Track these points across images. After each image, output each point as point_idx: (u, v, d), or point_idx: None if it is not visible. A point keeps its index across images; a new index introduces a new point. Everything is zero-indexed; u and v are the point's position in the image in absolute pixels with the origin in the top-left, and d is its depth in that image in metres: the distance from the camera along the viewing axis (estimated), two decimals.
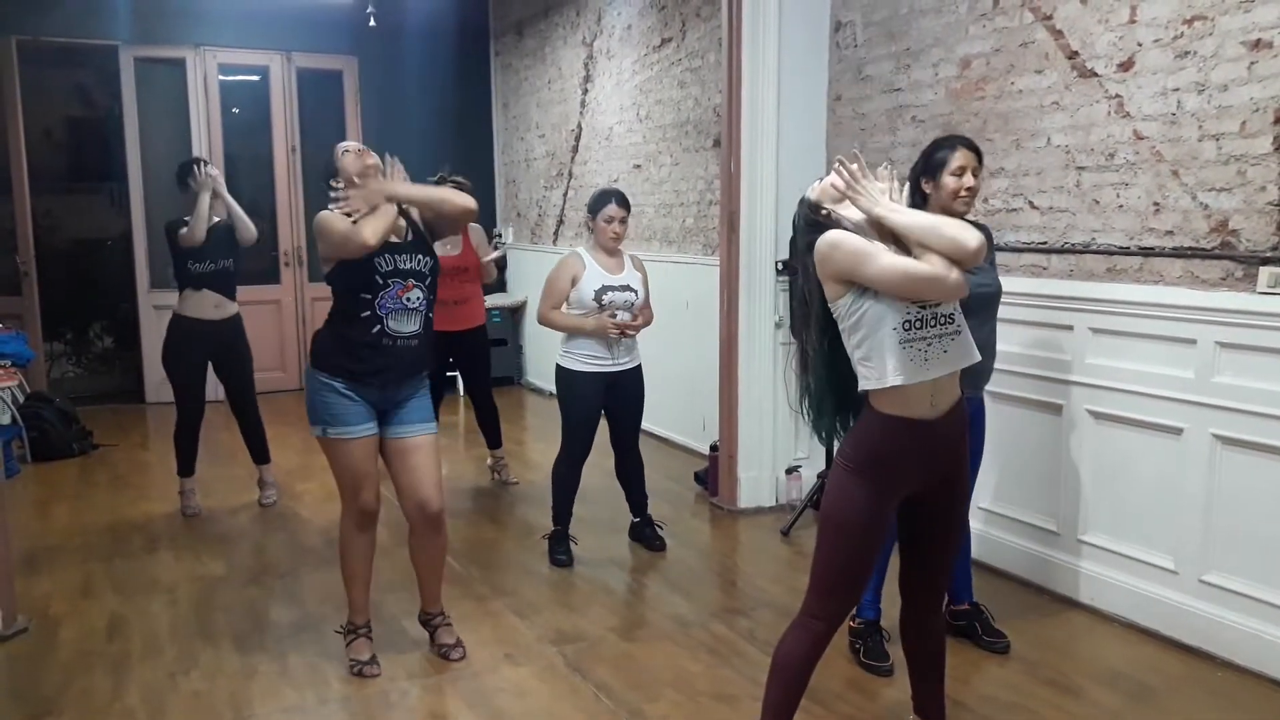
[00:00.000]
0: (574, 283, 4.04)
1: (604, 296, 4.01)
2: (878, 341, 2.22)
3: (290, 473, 5.57)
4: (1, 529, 3.54)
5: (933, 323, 2.22)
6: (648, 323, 4.21)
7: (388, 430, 3.13)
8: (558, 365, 4.14)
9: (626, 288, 4.06)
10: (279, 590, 3.91)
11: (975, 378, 3.14)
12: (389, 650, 3.32)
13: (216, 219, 4.78)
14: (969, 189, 3.02)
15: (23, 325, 6.93)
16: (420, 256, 3.09)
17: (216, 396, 5.28)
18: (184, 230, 4.65)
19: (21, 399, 6.11)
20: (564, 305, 4.10)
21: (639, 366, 4.23)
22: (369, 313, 3.01)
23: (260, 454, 5.06)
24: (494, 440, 5.47)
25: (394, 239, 3.06)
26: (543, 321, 4.16)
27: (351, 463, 3.06)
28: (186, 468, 4.91)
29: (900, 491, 2.31)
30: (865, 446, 2.29)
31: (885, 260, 2.18)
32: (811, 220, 2.36)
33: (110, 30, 7.35)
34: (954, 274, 2.15)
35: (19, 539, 4.48)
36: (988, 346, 3.16)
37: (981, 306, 3.08)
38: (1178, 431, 3.29)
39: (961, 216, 3.10)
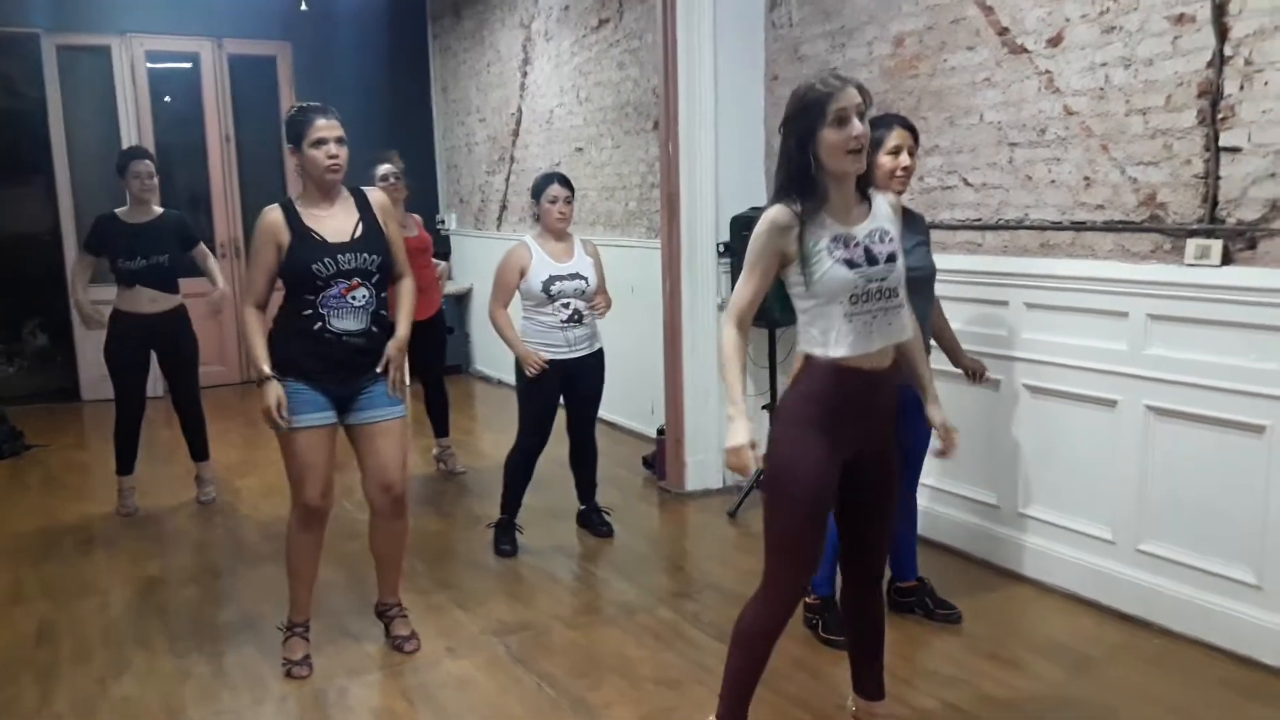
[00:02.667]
0: (522, 274, 3.97)
1: (552, 287, 3.94)
2: (825, 311, 2.23)
3: (230, 468, 5.46)
4: None
5: (878, 296, 2.23)
6: (607, 307, 4.13)
7: (353, 416, 3.07)
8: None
9: (576, 275, 3.98)
10: (216, 590, 3.83)
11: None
12: (329, 647, 3.26)
13: (158, 211, 4.65)
14: (904, 168, 3.02)
15: None
16: (367, 254, 2.99)
17: (156, 393, 5.13)
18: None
19: None
20: (513, 296, 4.02)
21: (599, 351, 4.14)
22: (310, 311, 2.96)
23: (199, 451, 4.95)
24: (442, 429, 5.40)
25: (339, 239, 2.97)
26: (491, 320, 4.08)
27: (297, 452, 2.98)
28: (125, 466, 4.78)
29: (845, 443, 2.28)
30: (810, 396, 2.27)
31: (743, 280, 2.28)
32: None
33: (31, 18, 7.11)
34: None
35: None
36: (924, 328, 3.18)
37: (916, 290, 3.09)
38: (1112, 404, 3.32)
39: (898, 194, 3.10)
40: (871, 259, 2.23)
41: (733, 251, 4.60)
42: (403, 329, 3.13)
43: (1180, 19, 3.04)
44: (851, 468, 2.34)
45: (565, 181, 4.05)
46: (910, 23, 3.96)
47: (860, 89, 2.17)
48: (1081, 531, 3.47)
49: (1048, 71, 3.45)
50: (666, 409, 4.89)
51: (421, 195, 8.66)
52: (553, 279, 3.95)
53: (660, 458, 5.00)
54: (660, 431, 5.03)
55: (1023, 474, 3.67)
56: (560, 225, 4.01)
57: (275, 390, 2.91)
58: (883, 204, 2.34)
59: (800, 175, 2.19)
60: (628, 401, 5.95)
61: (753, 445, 2.23)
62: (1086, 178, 3.37)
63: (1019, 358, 3.62)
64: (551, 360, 3.98)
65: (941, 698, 2.86)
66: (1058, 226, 3.49)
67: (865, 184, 2.31)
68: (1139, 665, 3.02)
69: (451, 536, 4.40)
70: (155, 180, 4.65)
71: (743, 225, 4.49)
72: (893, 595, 3.41)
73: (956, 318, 3.80)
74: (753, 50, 4.77)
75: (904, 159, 3.01)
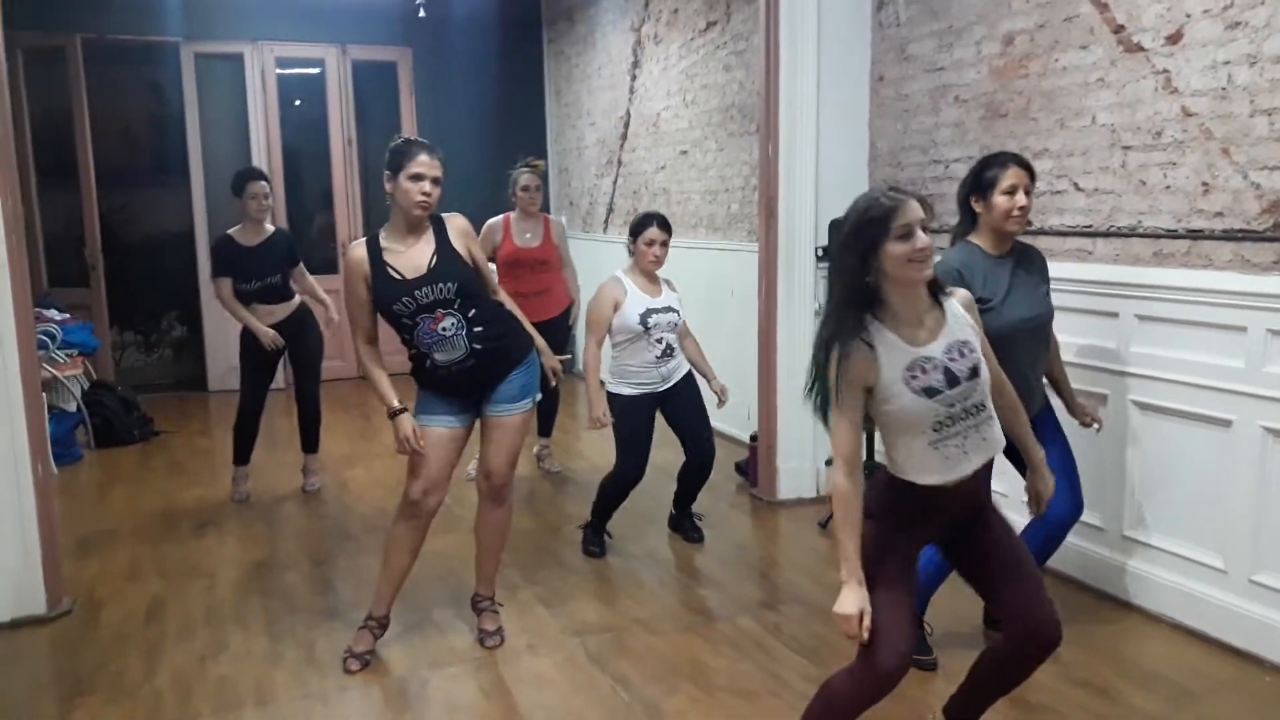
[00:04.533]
0: (616, 308, 3.98)
1: (649, 320, 3.96)
2: (906, 441, 2.15)
3: (341, 459, 5.66)
4: (49, 516, 3.65)
5: (964, 417, 2.14)
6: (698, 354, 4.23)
7: (486, 409, 3.20)
8: (608, 390, 4.08)
9: (669, 309, 4.01)
10: (316, 577, 3.97)
11: (1031, 400, 3.04)
12: (415, 638, 3.35)
13: (269, 231, 4.85)
14: (1021, 208, 2.93)
15: (90, 316, 7.17)
16: (442, 284, 3.01)
17: (278, 384, 5.31)
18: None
19: (86, 387, 6.31)
20: (607, 332, 4.04)
21: (689, 373, 4.17)
22: (415, 351, 3.08)
23: (311, 443, 5.14)
24: (546, 428, 5.47)
25: (411, 275, 3.02)
26: (584, 359, 4.12)
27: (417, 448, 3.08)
28: (242, 458, 5.01)
29: (918, 539, 2.26)
30: (880, 500, 2.22)
31: (836, 424, 2.15)
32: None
33: (171, 27, 7.53)
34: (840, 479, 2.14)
35: (76, 523, 4.65)
36: (1035, 371, 3.08)
37: (1032, 335, 3.02)
38: (1227, 424, 3.12)
39: (1013, 236, 3.03)
40: (952, 380, 2.11)
41: (831, 255, 4.50)
42: (539, 342, 3.31)
43: None
44: (953, 542, 2.30)
45: (664, 224, 4.04)
46: (1021, 21, 3.81)
47: (923, 202, 2.10)
48: (1191, 558, 3.27)
49: (1165, 71, 3.27)
50: (760, 415, 4.83)
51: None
52: (650, 311, 3.96)
53: (752, 464, 4.94)
54: (753, 437, 4.97)
55: (1130, 495, 3.48)
56: (653, 267, 4.02)
57: (408, 423, 3.03)
58: (957, 309, 2.20)
59: (861, 290, 2.09)
60: (725, 406, 5.90)
61: (862, 614, 2.09)
62: (1205, 183, 3.18)
63: (1129, 373, 3.44)
64: (642, 395, 4.03)
65: None
66: (1173, 235, 3.30)
67: (938, 288, 2.19)
68: (1245, 703, 2.83)
69: (543, 535, 4.45)
70: (270, 201, 4.85)
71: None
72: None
73: (1064, 330, 3.63)
74: (858, 51, 4.67)
75: (1020, 198, 2.93)
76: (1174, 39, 3.23)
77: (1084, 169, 3.61)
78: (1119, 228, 3.49)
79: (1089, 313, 3.58)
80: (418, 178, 2.98)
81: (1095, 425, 3.25)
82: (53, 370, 5.84)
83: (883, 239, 2.05)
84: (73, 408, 6.06)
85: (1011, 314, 2.94)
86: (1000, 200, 2.92)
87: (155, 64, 8.32)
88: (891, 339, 2.11)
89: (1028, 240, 3.78)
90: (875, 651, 2.12)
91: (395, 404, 3.02)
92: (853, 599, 2.10)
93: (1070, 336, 3.63)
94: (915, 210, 2.07)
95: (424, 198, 2.99)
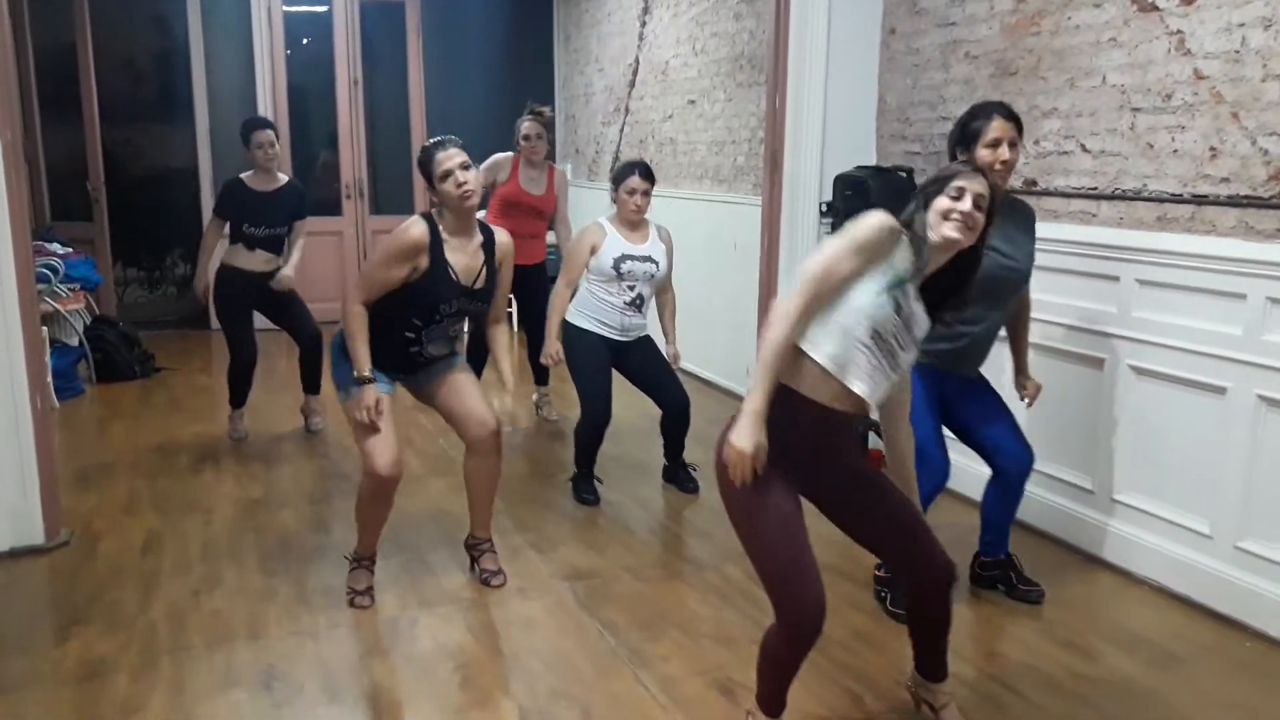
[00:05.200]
0: (593, 251, 3.98)
1: (623, 265, 3.95)
2: (838, 336, 2.13)
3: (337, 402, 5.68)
4: (48, 448, 3.69)
5: (888, 354, 2.16)
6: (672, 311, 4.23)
7: (419, 383, 3.25)
8: (565, 319, 4.08)
9: (648, 259, 3.98)
10: (310, 515, 4.01)
11: (966, 360, 3.06)
12: (406, 579, 3.39)
13: (282, 180, 4.82)
14: (1004, 162, 2.88)
15: (93, 250, 7.16)
16: (481, 303, 3.17)
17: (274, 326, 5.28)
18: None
19: (88, 321, 6.32)
20: (580, 275, 4.06)
21: (647, 336, 4.18)
22: (412, 334, 3.08)
23: (312, 384, 5.16)
24: (542, 377, 5.48)
25: (468, 281, 3.10)
26: (551, 298, 4.13)
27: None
28: (238, 401, 5.04)
29: (792, 482, 2.21)
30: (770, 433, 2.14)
31: (813, 261, 2.15)
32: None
33: None
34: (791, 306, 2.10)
35: (75, 456, 4.69)
36: (990, 333, 3.08)
37: (1000, 288, 2.98)
38: (1221, 391, 3.12)
39: (998, 192, 2.97)
40: (910, 326, 2.18)
41: (835, 211, 4.48)
42: (509, 376, 3.32)
43: None
44: (820, 500, 2.31)
45: (647, 173, 4.01)
46: None
47: (994, 187, 2.20)
48: (1178, 523, 3.29)
49: (1179, 31, 3.22)
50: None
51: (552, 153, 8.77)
52: (625, 257, 3.95)
53: None
54: None
55: (1121, 458, 3.49)
56: (635, 217, 4.00)
57: (373, 393, 3.01)
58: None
59: (919, 225, 2.18)
60: (723, 359, 5.92)
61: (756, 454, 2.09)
62: (1213, 148, 3.14)
63: (1126, 336, 3.43)
64: (599, 335, 4.04)
65: (1007, 682, 2.77)
66: (1178, 199, 3.27)
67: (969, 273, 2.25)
68: (1225, 668, 2.86)
69: (536, 482, 4.48)
70: (276, 149, 4.78)
71: (847, 185, 4.38)
72: (975, 570, 3.33)
73: (1063, 292, 3.64)
74: (870, 2, 4.59)
75: (1003, 152, 2.87)
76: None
77: (1091, 130, 3.56)
78: (1124, 191, 3.46)
79: (1090, 275, 3.56)
80: (447, 175, 2.98)
81: (1027, 401, 3.25)
82: (54, 304, 5.86)
83: (939, 190, 2.17)
84: (75, 342, 6.08)
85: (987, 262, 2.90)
86: (983, 153, 2.88)
87: None
88: (911, 260, 2.17)
89: (1032, 200, 3.76)
90: (784, 604, 2.19)
91: (367, 372, 3.01)
92: (749, 433, 2.08)
93: (1070, 299, 3.62)
94: (980, 183, 2.16)
95: (462, 189, 2.98)
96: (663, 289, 4.18)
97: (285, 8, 7.80)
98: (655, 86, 6.89)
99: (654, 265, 4.01)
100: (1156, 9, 3.28)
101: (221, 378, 5.12)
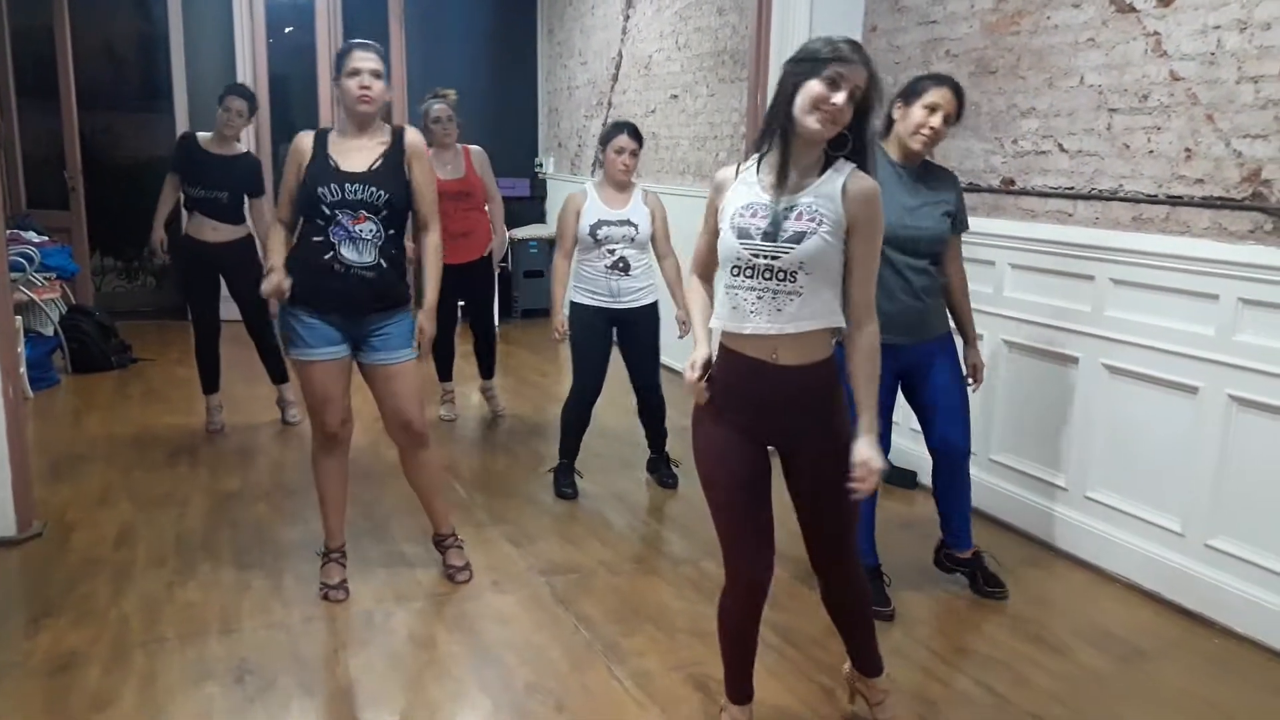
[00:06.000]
0: (578, 217, 3.98)
1: (599, 231, 3.95)
2: (718, 276, 2.17)
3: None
4: (20, 439, 3.65)
5: (766, 275, 2.04)
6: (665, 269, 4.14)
7: (367, 356, 3.11)
8: (569, 298, 4.11)
9: (626, 223, 3.96)
10: (286, 508, 3.99)
11: (917, 326, 3.05)
12: (383, 572, 3.38)
13: (239, 149, 4.78)
14: (932, 128, 2.90)
15: (70, 239, 7.10)
16: (375, 189, 2.97)
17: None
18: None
19: (64, 311, 6.27)
20: (574, 243, 4.05)
21: (652, 305, 4.12)
22: (321, 239, 3.00)
23: (278, 374, 5.12)
24: (487, 371, 5.39)
25: (347, 168, 2.97)
26: (553, 268, 4.15)
27: (312, 384, 3.07)
28: (208, 385, 5.00)
29: (748, 432, 2.17)
30: (713, 376, 2.18)
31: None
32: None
33: None
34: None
35: (49, 447, 4.65)
36: (929, 291, 3.06)
37: (913, 250, 2.99)
38: (1193, 390, 3.15)
39: (918, 156, 3.00)
40: (771, 235, 2.03)
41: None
42: (430, 294, 3.13)
43: None
44: (785, 459, 2.25)
45: (635, 133, 4.00)
46: None
47: (872, 76, 1.99)
48: (1149, 521, 3.32)
49: (1156, 33, 3.24)
50: None
51: (522, 138, 8.75)
52: (600, 223, 3.94)
53: None
54: None
55: (1094, 456, 3.52)
56: (623, 176, 3.99)
57: (277, 277, 3.01)
58: (835, 185, 2.04)
59: (774, 121, 2.05)
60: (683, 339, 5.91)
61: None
62: (1188, 149, 3.17)
63: (1100, 335, 3.45)
64: (595, 306, 4.02)
65: (977, 678, 2.80)
66: (1153, 200, 3.29)
67: (840, 155, 2.06)
68: (1193, 663, 2.90)
69: (514, 475, 4.48)
70: (244, 120, 4.74)
71: None
72: (943, 560, 3.36)
73: (1039, 291, 3.67)
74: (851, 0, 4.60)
75: (935, 120, 2.90)
76: (1166, 1, 3.20)
77: (1069, 130, 3.59)
78: (1100, 191, 3.48)
79: (1065, 274, 3.58)
80: (354, 73, 2.93)
81: (972, 384, 3.24)
82: (29, 293, 5.80)
83: (810, 76, 1.97)
84: (50, 332, 6.03)
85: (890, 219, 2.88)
86: (917, 112, 2.90)
87: None
88: (760, 175, 2.09)
89: (1010, 199, 3.79)
90: (727, 555, 2.25)
91: (277, 261, 3.03)
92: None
93: (1045, 297, 3.65)
94: (858, 73, 1.96)
95: (363, 91, 2.93)
96: (662, 255, 4.11)
97: None
98: (638, 81, 6.88)
99: (632, 228, 3.97)
100: (1134, 10, 3.30)
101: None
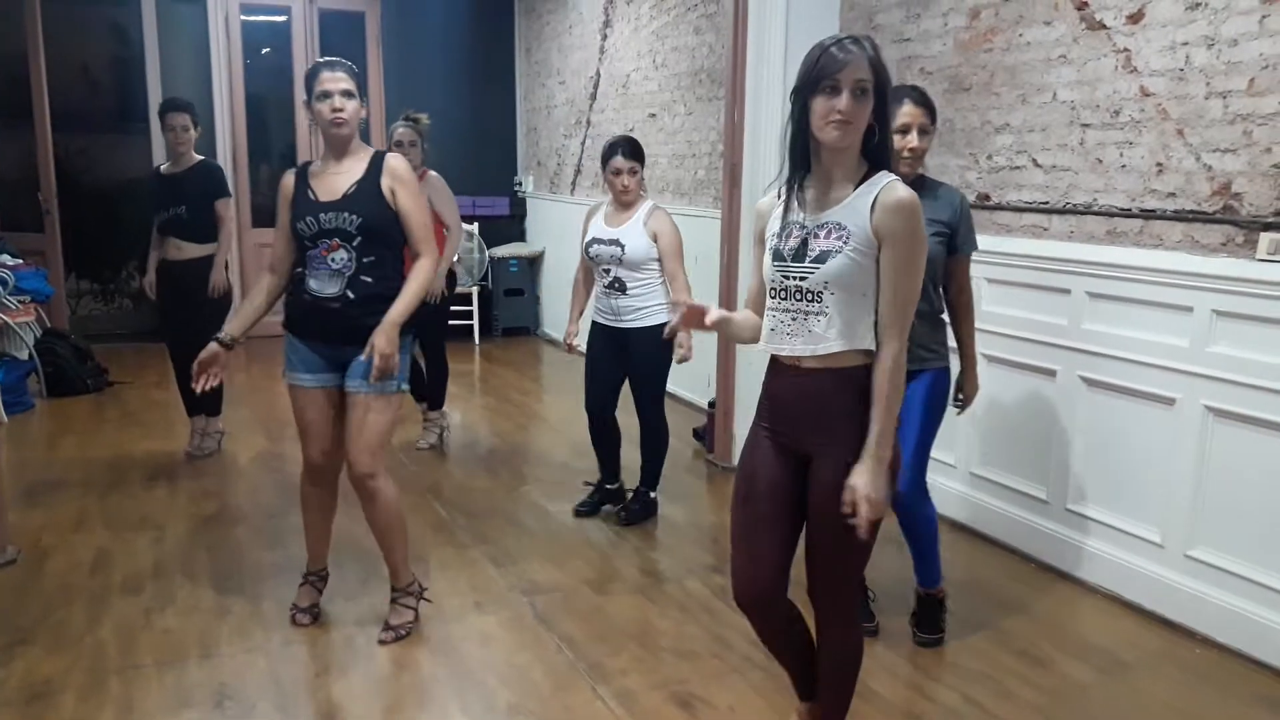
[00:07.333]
0: (585, 234, 4.03)
1: (591, 249, 3.94)
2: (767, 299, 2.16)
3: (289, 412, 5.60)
4: None
5: (796, 296, 2.03)
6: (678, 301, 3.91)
7: (346, 383, 2.99)
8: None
9: (614, 242, 3.89)
10: (265, 532, 3.95)
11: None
12: (367, 595, 3.35)
13: (193, 161, 4.74)
14: (912, 149, 2.80)
15: (44, 262, 7.03)
16: (347, 214, 2.87)
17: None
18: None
19: (39, 334, 6.20)
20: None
21: (654, 327, 3.90)
22: (301, 269, 2.99)
23: (198, 405, 4.87)
24: (435, 402, 5.18)
25: (325, 197, 2.91)
26: (574, 281, 4.23)
27: (296, 410, 3.05)
28: (188, 406, 4.94)
29: (778, 441, 2.13)
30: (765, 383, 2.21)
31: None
32: None
33: None
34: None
35: (24, 472, 4.60)
36: (918, 316, 2.97)
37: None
38: (1170, 402, 3.18)
39: (907, 175, 2.78)
40: (799, 255, 2.01)
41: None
42: (393, 312, 2.89)
43: None
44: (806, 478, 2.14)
45: (631, 151, 3.88)
46: None
47: (872, 62, 1.95)
48: (1130, 532, 3.34)
49: (1126, 50, 3.29)
50: (718, 382, 4.86)
51: (502, 157, 8.75)
52: (594, 241, 3.95)
53: (710, 430, 4.97)
54: (711, 404, 5.00)
55: (1074, 469, 3.54)
56: (623, 199, 3.92)
57: (211, 349, 3.02)
58: (870, 194, 1.98)
59: (795, 143, 2.03)
60: (685, 372, 5.91)
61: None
62: (1159, 163, 3.21)
63: (1077, 349, 3.48)
64: (599, 324, 4.04)
65: (964, 692, 2.80)
66: (1126, 214, 3.33)
67: (878, 166, 2.02)
68: (1175, 674, 2.91)
69: (497, 495, 4.46)
70: (190, 134, 4.70)
71: None
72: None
73: (1016, 305, 3.69)
74: (827, 18, 4.62)
75: (911, 139, 2.79)
76: (1135, 18, 3.25)
77: (1043, 145, 3.62)
78: (1075, 205, 3.52)
79: (1041, 289, 3.62)
80: (324, 95, 2.88)
81: (957, 410, 3.15)
82: (4, 316, 5.74)
83: (812, 93, 1.96)
84: (25, 355, 5.96)
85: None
86: (892, 140, 2.83)
87: (116, 4, 8.11)
88: (797, 196, 2.04)
89: (986, 214, 3.82)
90: (731, 569, 2.24)
91: (225, 333, 3.03)
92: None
93: (1022, 311, 3.68)
94: (854, 71, 1.93)
95: (335, 114, 2.87)
96: (670, 275, 3.91)
97: (243, 16, 7.73)
98: (616, 100, 6.91)
99: (619, 249, 3.87)
100: (1104, 27, 3.35)
101: (176, 393, 5.03)
